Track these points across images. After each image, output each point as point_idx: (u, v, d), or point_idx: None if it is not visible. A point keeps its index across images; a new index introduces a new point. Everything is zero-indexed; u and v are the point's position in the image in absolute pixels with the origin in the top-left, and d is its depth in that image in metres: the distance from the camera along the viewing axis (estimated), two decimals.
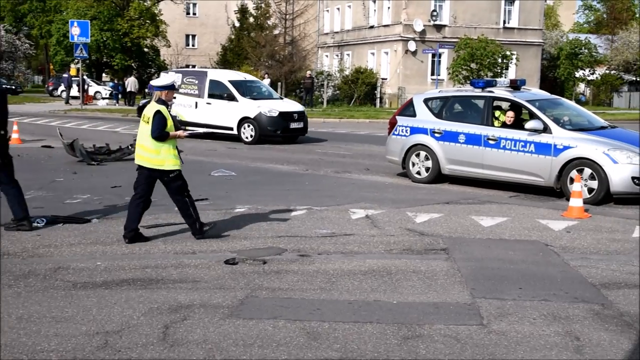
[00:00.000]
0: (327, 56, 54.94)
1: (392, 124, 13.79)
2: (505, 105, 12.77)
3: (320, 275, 6.75)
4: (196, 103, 21.15)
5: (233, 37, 54.13)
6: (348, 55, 51.50)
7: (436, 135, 12.81)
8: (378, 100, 44.65)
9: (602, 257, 7.68)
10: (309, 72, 42.55)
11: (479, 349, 4.97)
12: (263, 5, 49.60)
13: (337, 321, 5.46)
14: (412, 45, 44.01)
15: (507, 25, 46.11)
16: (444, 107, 13.15)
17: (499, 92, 12.52)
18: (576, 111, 13.16)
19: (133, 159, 15.38)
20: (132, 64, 53.52)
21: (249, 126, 20.37)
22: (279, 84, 41.10)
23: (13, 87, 53.16)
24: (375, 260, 7.36)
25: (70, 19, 42.80)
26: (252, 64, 44.95)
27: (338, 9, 53.32)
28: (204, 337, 5.11)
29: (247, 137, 20.37)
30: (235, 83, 21.24)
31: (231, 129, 20.66)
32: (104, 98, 46.88)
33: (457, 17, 44.86)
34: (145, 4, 53.20)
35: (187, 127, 18.32)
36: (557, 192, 11.43)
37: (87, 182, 12.65)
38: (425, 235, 8.62)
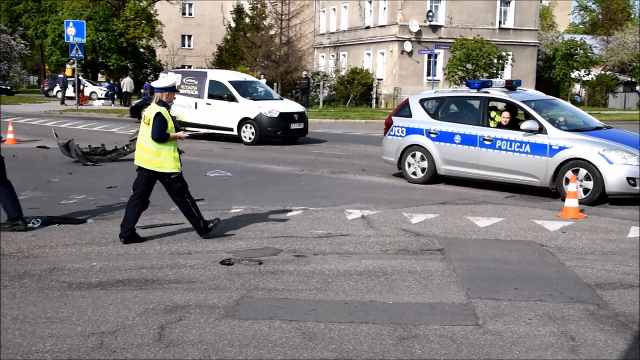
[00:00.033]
0: (323, 57, 54.96)
1: (388, 125, 13.80)
2: (500, 105, 12.78)
3: (316, 276, 6.75)
4: (196, 104, 21.05)
5: (229, 37, 54.11)
6: (344, 55, 51.51)
7: (432, 135, 12.82)
8: (374, 101, 44.68)
9: (597, 257, 7.70)
10: (305, 72, 42.56)
11: (474, 349, 4.97)
12: (259, 5, 49.55)
13: (333, 321, 5.46)
14: (408, 46, 44.05)
15: (502, 25, 46.19)
16: (439, 108, 13.16)
17: (494, 92, 12.53)
18: (571, 112, 13.19)
19: (129, 160, 15.48)
20: (128, 65, 53.47)
21: (249, 127, 20.30)
22: (275, 84, 41.08)
23: (8, 88, 53.07)
24: (371, 260, 7.36)
25: (65, 19, 42.74)
26: (248, 64, 44.92)
27: (334, 9, 53.33)
28: (200, 337, 5.11)
29: (247, 138, 20.31)
30: (235, 83, 21.15)
31: (231, 129, 20.58)
32: (99, 98, 46.79)
33: (452, 17, 44.91)
34: (141, 4, 53.17)
35: (187, 128, 18.28)
36: (552, 192, 11.45)
37: (82, 182, 12.63)
38: (421, 235, 8.63)
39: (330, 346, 4.98)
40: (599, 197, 10.85)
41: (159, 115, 7.78)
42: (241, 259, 7.28)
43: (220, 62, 52.84)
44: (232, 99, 20.58)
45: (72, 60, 39.03)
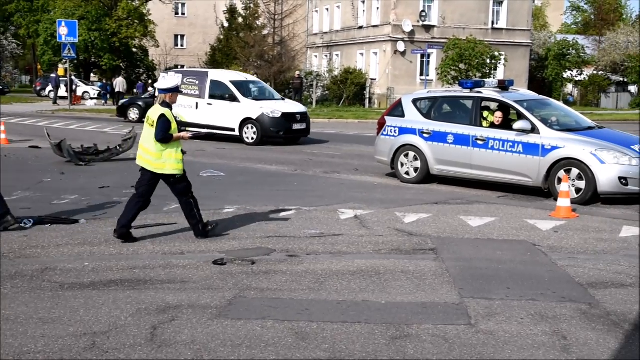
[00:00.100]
0: (316, 56, 54.96)
1: (381, 125, 13.80)
2: (493, 105, 12.81)
3: (308, 276, 6.75)
4: (197, 104, 20.88)
5: (222, 37, 54.08)
6: (337, 55, 51.53)
7: (425, 135, 12.83)
8: (367, 101, 44.71)
9: (589, 256, 7.72)
10: (298, 72, 42.55)
11: (467, 348, 4.98)
12: (252, 5, 49.53)
13: (326, 321, 5.47)
14: (401, 46, 44.09)
15: (495, 26, 46.28)
16: (432, 108, 13.17)
17: (487, 92, 12.56)
18: (564, 112, 13.23)
19: (121, 160, 15.47)
20: (121, 64, 53.37)
21: (251, 127, 20.20)
22: (268, 84, 41.02)
23: (0, 88, 52.85)
24: (364, 260, 7.37)
25: (58, 18, 42.62)
26: (241, 64, 44.88)
27: (327, 9, 53.34)
28: (192, 337, 5.10)
29: (249, 139, 20.20)
30: (236, 83, 21.03)
31: (233, 130, 20.44)
32: (92, 98, 46.68)
33: (445, 17, 44.98)
34: (134, 3, 53.09)
35: (187, 129, 18.21)
36: (545, 192, 11.48)
37: (75, 182, 12.59)
38: (414, 235, 8.64)
39: (323, 346, 4.98)
40: (591, 196, 10.88)
41: (162, 116, 7.80)
42: (234, 258, 7.28)
43: (214, 62, 52.79)
44: (233, 99, 20.45)
45: (64, 60, 38.91)
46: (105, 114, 33.23)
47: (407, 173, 13.13)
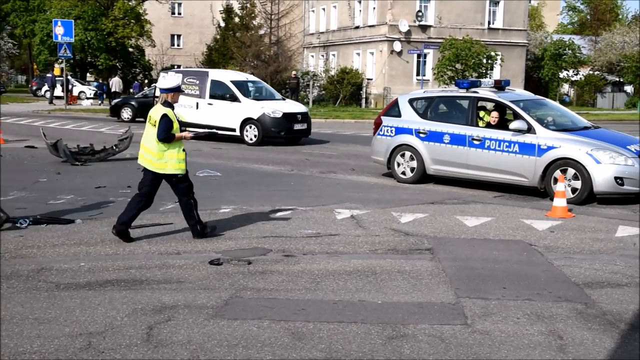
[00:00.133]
0: (312, 56, 54.95)
1: (377, 124, 13.81)
2: (489, 105, 12.83)
3: (305, 276, 6.75)
4: (197, 104, 20.74)
5: (218, 37, 54.05)
6: (334, 55, 51.54)
7: (421, 135, 12.84)
8: (363, 101, 44.73)
9: (585, 256, 7.73)
10: (294, 72, 42.56)
11: (463, 348, 4.99)
12: (248, 5, 49.53)
13: (322, 321, 5.47)
14: (397, 46, 44.11)
15: (491, 26, 46.34)
16: (428, 108, 13.18)
17: (483, 92, 12.57)
18: (560, 111, 13.25)
19: (118, 160, 15.45)
20: (117, 64, 53.31)
21: (252, 127, 20.11)
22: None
23: None
24: (360, 260, 7.37)
25: (54, 18, 42.61)
26: (238, 64, 44.87)
27: (323, 9, 53.34)
28: (188, 337, 5.09)
29: (250, 139, 20.12)
30: (237, 83, 20.93)
31: (234, 130, 20.31)
32: (88, 98, 46.62)
33: (442, 17, 45.02)
34: (130, 3, 53.05)
35: (187, 129, 18.12)
36: (541, 192, 11.50)
37: (71, 182, 12.57)
38: (410, 235, 8.64)
39: (319, 346, 4.98)
40: (587, 196, 10.90)
41: (165, 116, 7.81)
42: (230, 259, 7.27)
43: (210, 61, 52.76)
44: (234, 99, 20.36)
45: (60, 60, 38.83)
46: (101, 114, 33.17)
47: (403, 173, 13.13)
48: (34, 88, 54.30)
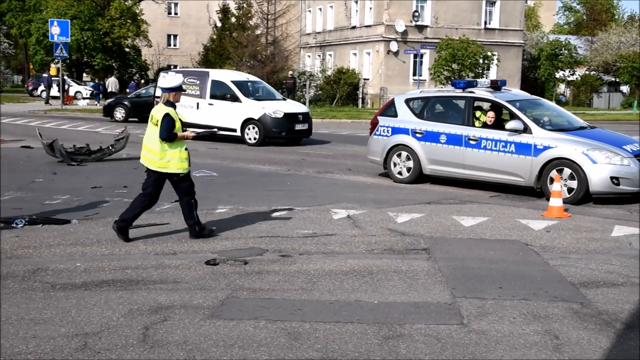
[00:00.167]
0: (309, 56, 54.95)
1: (374, 124, 13.81)
2: (486, 105, 12.83)
3: (301, 276, 6.75)
4: (198, 104, 20.62)
5: (215, 37, 53.97)
6: (330, 55, 51.54)
7: (417, 135, 12.85)
8: (360, 101, 44.74)
9: (581, 256, 7.74)
10: (291, 72, 42.54)
11: (459, 348, 4.99)
12: (245, 5, 49.48)
13: (318, 321, 5.46)
14: (394, 46, 44.13)
15: (488, 26, 46.38)
16: (425, 108, 13.19)
17: (479, 92, 12.57)
18: (556, 111, 13.26)
19: (114, 160, 15.43)
20: (113, 64, 53.22)
21: (253, 128, 20.00)
22: None
23: None
24: (357, 260, 7.37)
25: (50, 18, 42.53)
26: (234, 64, 44.81)
27: (320, 9, 53.34)
28: (184, 338, 5.09)
29: (251, 139, 20.02)
30: (238, 83, 20.84)
31: (234, 130, 20.19)
32: (84, 98, 46.55)
33: (438, 17, 45.05)
34: (126, 3, 52.98)
35: (188, 128, 18.03)
36: (537, 192, 11.51)
37: (67, 182, 12.56)
38: (407, 235, 8.65)
39: (315, 346, 4.98)
40: (583, 196, 10.92)
41: (167, 115, 7.83)
42: (226, 259, 7.27)
43: (206, 61, 52.69)
44: (235, 99, 20.27)
45: (56, 60, 38.77)
46: (97, 114, 33.09)
47: (399, 173, 13.14)
48: (30, 88, 54.21)
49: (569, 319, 5.62)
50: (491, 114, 12.32)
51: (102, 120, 29.03)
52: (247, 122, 20.11)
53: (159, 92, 20.18)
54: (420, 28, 44.93)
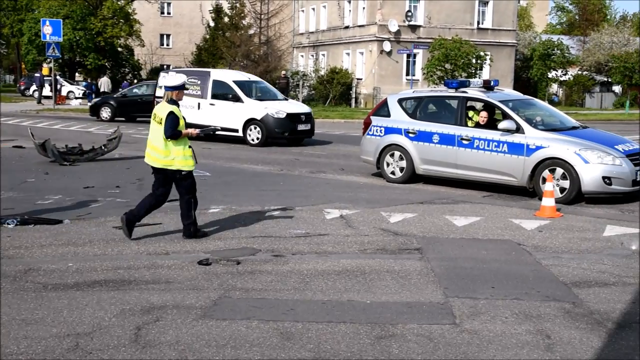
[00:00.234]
0: (302, 56, 54.94)
1: (367, 124, 13.82)
2: (478, 105, 12.86)
3: (294, 276, 6.74)
4: (199, 104, 20.37)
5: (208, 36, 53.89)
6: (323, 55, 51.54)
7: (410, 135, 12.86)
8: (353, 100, 44.75)
9: (573, 256, 7.77)
10: (284, 72, 42.48)
11: (451, 347, 5.00)
12: (238, 5, 49.42)
13: (311, 321, 5.46)
14: (387, 46, 44.17)
15: (481, 26, 46.47)
16: (418, 108, 13.20)
17: (472, 92, 12.59)
18: (548, 111, 13.29)
19: (106, 160, 15.38)
20: (106, 64, 53.07)
21: (255, 128, 19.83)
22: None
23: None
24: (349, 260, 7.37)
25: (42, 17, 42.35)
26: (227, 63, 44.74)
27: (313, 9, 53.33)
28: (177, 338, 5.08)
29: (253, 140, 19.85)
30: (239, 83, 20.65)
31: (236, 130, 20.00)
32: (76, 98, 46.40)
33: (431, 17, 45.12)
34: (119, 3, 52.82)
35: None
36: (529, 191, 11.53)
37: (59, 182, 12.52)
38: (399, 235, 8.65)
39: (308, 346, 4.98)
40: (575, 196, 10.95)
41: (171, 113, 7.85)
42: (219, 259, 7.26)
43: (199, 61, 52.59)
44: (237, 99, 20.09)
45: (48, 59, 38.65)
46: (89, 114, 32.99)
47: (392, 173, 13.15)
48: (22, 88, 54.00)
49: (560, 319, 5.64)
50: (484, 113, 12.34)
51: (94, 120, 28.93)
52: (249, 123, 19.91)
53: (159, 93, 20.16)
54: (413, 28, 44.99)
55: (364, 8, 46.07)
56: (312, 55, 52.57)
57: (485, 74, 43.03)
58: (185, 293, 6.14)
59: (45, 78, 42.45)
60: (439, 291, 6.33)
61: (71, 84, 51.41)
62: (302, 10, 55.29)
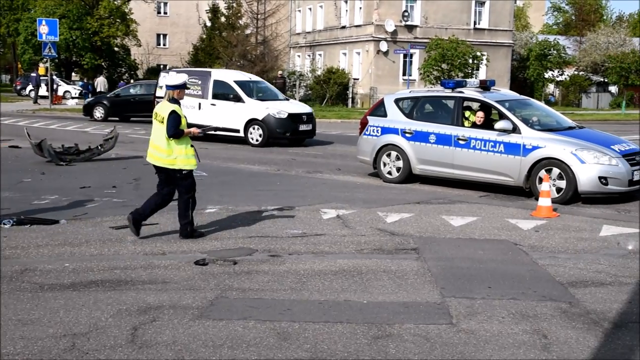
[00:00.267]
0: (299, 56, 54.93)
1: (363, 124, 13.82)
2: (475, 105, 12.86)
3: (290, 276, 6.74)
4: (199, 104, 20.22)
5: (204, 36, 53.83)
6: (320, 55, 51.53)
7: (407, 135, 12.86)
8: (350, 101, 44.74)
9: (569, 255, 7.78)
10: (280, 72, 42.47)
11: (448, 347, 5.00)
12: (234, 4, 49.38)
13: (308, 321, 5.46)
14: (383, 46, 44.17)
15: (477, 26, 46.50)
16: (414, 108, 13.21)
17: (468, 92, 12.60)
18: (545, 112, 13.31)
19: (103, 160, 15.36)
20: (102, 64, 53.01)
21: (256, 128, 19.72)
22: None
23: None
24: (346, 260, 7.37)
25: (38, 17, 42.26)
26: (224, 63, 44.70)
27: (310, 9, 53.32)
28: (173, 338, 5.08)
29: (254, 140, 19.75)
30: (240, 83, 20.55)
31: (237, 131, 19.90)
32: (73, 97, 46.31)
33: (428, 17, 45.13)
34: (115, 2, 52.76)
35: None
36: (526, 191, 11.55)
37: (55, 182, 12.50)
38: (396, 235, 8.66)
39: (304, 346, 4.98)
40: (571, 196, 10.96)
41: (173, 112, 7.87)
42: (216, 259, 7.26)
43: (196, 61, 52.54)
44: (238, 99, 19.97)
45: (45, 59, 38.56)
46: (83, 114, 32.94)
47: (389, 173, 13.15)
48: (19, 87, 53.91)
49: (557, 319, 5.64)
50: (480, 114, 12.35)
51: (91, 120, 28.88)
52: (250, 123, 19.80)
53: (159, 93, 20.09)
54: (410, 28, 45.00)
55: (360, 8, 46.07)
56: (309, 55, 52.56)
57: (482, 74, 43.05)
58: (182, 293, 6.13)
59: (41, 78, 42.38)
60: (435, 291, 6.34)
61: (67, 83, 51.29)
62: (299, 10, 55.28)
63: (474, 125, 12.33)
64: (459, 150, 12.13)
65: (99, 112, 28.61)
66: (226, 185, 12.50)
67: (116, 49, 54.80)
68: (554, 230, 9.04)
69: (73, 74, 58.27)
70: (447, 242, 8.33)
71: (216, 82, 20.51)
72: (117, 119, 28.18)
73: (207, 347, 4.91)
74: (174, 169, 8.02)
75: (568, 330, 5.39)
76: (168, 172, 8.07)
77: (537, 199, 10.51)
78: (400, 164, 12.96)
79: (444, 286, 6.48)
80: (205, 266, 7.02)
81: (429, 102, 13.53)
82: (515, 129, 11.54)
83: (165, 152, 7.96)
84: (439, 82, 33.41)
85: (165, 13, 70.43)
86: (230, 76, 21.10)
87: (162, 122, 7.90)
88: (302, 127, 20.16)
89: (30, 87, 45.95)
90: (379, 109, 13.76)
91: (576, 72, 54.65)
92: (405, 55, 43.23)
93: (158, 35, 69.99)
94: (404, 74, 44.05)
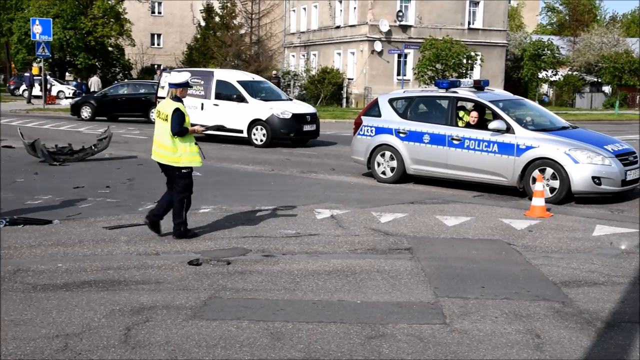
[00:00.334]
0: (293, 56, 54.91)
1: (358, 124, 13.82)
2: (469, 105, 12.88)
3: (284, 276, 6.74)
4: (202, 104, 19.99)
5: (199, 36, 53.77)
6: (314, 55, 51.52)
7: (401, 135, 12.87)
8: (344, 100, 44.75)
9: (563, 255, 7.80)
10: (275, 71, 42.47)
11: (441, 347, 5.01)
12: (229, 4, 49.35)
13: (301, 321, 5.46)
14: (378, 46, 44.19)
15: (471, 26, 46.54)
16: (408, 108, 13.22)
17: (462, 92, 12.62)
18: (538, 112, 13.34)
19: (96, 160, 15.33)
20: (96, 63, 52.88)
21: (260, 129, 19.56)
22: None
23: None
24: (340, 260, 7.37)
25: (32, 16, 42.11)
26: (218, 63, 44.67)
27: (304, 8, 53.31)
28: (167, 338, 5.07)
29: (258, 140, 19.60)
30: (243, 83, 20.38)
31: (241, 131, 19.69)
32: (67, 97, 46.16)
33: (422, 17, 45.16)
34: (109, 2, 52.64)
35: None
36: (519, 191, 11.57)
37: (48, 182, 12.47)
38: (390, 235, 8.66)
39: (298, 346, 4.98)
40: (565, 196, 10.99)
41: (177, 110, 7.88)
42: (209, 259, 7.25)
43: (190, 61, 52.47)
44: (241, 99, 19.81)
45: (38, 59, 38.47)
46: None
47: (383, 173, 13.16)
48: (12, 87, 53.72)
49: (550, 318, 5.66)
50: (474, 114, 12.36)
51: (84, 120, 28.81)
52: (254, 123, 19.64)
53: (161, 93, 19.97)
54: (404, 28, 45.02)
55: (355, 8, 46.08)
56: (303, 55, 52.55)
57: (476, 74, 43.11)
58: (175, 293, 6.13)
59: (35, 77, 42.27)
60: (429, 291, 6.34)
61: (61, 83, 51.12)
62: (293, 10, 55.27)
63: (467, 125, 12.34)
64: (452, 150, 12.15)
65: (86, 112, 28.58)
66: (220, 185, 12.49)
67: (110, 48, 54.67)
68: (547, 230, 9.06)
69: (67, 73, 58.15)
70: (441, 242, 8.34)
71: (219, 82, 20.32)
72: (105, 118, 28.13)
73: (200, 348, 4.91)
74: (178, 166, 8.02)
75: (561, 329, 5.41)
76: (173, 170, 8.08)
77: (530, 199, 10.53)
78: (394, 164, 12.97)
79: (437, 286, 6.49)
80: (199, 266, 7.01)
81: (423, 102, 13.54)
82: (509, 129, 11.56)
83: (170, 150, 7.98)
84: (433, 82, 33.48)
85: (159, 13, 70.37)
86: (233, 76, 20.95)
87: (166, 119, 7.91)
88: (306, 128, 20.04)
89: (23, 87, 45.79)
90: (373, 109, 13.77)
91: (570, 72, 54.76)
92: (399, 55, 43.24)
93: (152, 35, 69.91)
94: (398, 74, 44.07)
